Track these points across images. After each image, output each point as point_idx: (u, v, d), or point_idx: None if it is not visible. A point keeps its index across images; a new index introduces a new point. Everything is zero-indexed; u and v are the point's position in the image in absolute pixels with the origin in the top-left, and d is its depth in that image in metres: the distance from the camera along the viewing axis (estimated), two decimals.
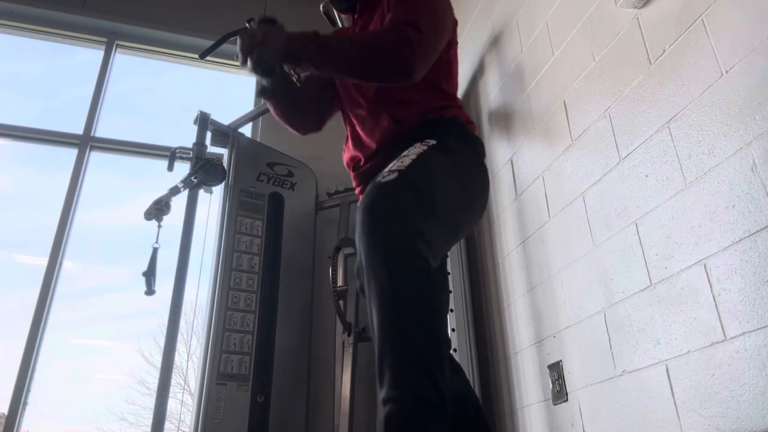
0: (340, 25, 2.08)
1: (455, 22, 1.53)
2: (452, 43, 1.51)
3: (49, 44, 3.26)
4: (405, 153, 1.25)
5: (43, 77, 3.59)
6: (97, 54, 3.21)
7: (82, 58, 3.19)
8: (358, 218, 1.10)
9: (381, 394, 0.97)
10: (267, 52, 1.28)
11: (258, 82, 1.42)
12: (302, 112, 1.60)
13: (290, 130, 1.62)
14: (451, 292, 2.34)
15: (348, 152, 1.53)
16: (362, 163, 1.46)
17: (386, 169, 1.19)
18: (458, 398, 1.31)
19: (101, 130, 3.03)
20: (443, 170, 1.25)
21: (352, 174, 1.52)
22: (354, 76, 1.36)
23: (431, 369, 0.97)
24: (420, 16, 1.31)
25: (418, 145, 1.28)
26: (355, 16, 1.62)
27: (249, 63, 1.28)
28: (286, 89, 1.46)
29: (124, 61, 3.32)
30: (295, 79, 1.40)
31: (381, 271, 1.02)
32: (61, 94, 3.60)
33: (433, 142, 1.30)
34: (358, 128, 1.48)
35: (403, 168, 1.17)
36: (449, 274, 2.40)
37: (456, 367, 1.42)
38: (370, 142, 1.44)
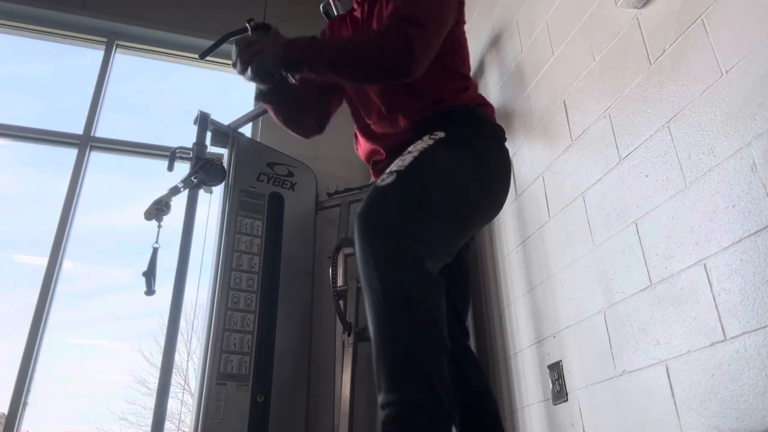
0: None
1: (462, 2, 1.50)
2: (459, 23, 1.48)
3: (55, 46, 3.26)
4: (409, 149, 1.24)
5: (48, 79, 3.60)
6: (100, 55, 3.21)
7: (87, 59, 3.19)
8: (355, 222, 1.11)
9: (380, 399, 0.98)
10: (266, 61, 1.28)
11: (257, 87, 1.42)
12: (303, 114, 1.58)
13: (292, 134, 1.61)
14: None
15: (362, 148, 1.52)
16: (381, 159, 1.45)
17: (387, 170, 1.18)
18: (474, 394, 1.32)
19: (101, 131, 3.03)
20: (447, 164, 1.23)
21: (371, 169, 1.52)
22: (355, 79, 1.35)
23: (426, 371, 0.97)
24: (419, 7, 1.29)
25: (425, 138, 1.27)
26: (355, 8, 1.61)
27: (249, 71, 1.29)
28: (286, 93, 1.46)
29: (124, 61, 3.32)
30: (293, 81, 1.39)
31: (374, 278, 1.03)
32: (66, 96, 3.61)
33: (441, 134, 1.28)
34: (371, 125, 1.46)
35: (402, 169, 1.16)
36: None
37: (475, 363, 1.42)
38: (384, 138, 1.43)
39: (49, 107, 3.62)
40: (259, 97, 1.46)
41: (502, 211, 2.31)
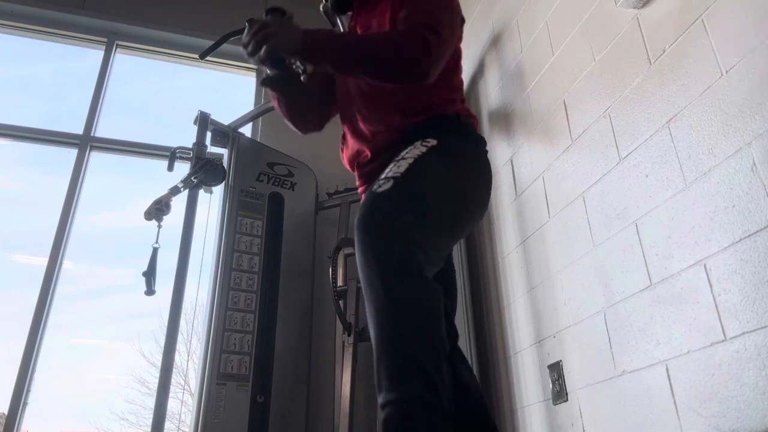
0: (339, 25, 2.08)
1: (463, 19, 1.53)
2: (459, 38, 1.51)
3: (58, 48, 3.26)
4: (403, 155, 1.25)
5: (51, 81, 3.60)
6: (100, 55, 3.21)
7: (89, 61, 3.19)
8: (355, 228, 1.12)
9: (380, 399, 0.99)
10: (280, 43, 1.26)
11: (263, 72, 1.40)
12: (306, 109, 1.59)
13: (291, 127, 1.61)
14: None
15: (348, 150, 1.51)
16: (366, 161, 1.45)
17: (383, 175, 1.20)
18: (465, 390, 1.33)
19: (101, 131, 3.03)
20: (441, 173, 1.25)
21: (356, 173, 1.51)
22: (371, 76, 1.34)
23: (426, 370, 0.98)
24: (437, 16, 1.31)
25: (418, 144, 1.28)
26: (353, 13, 1.62)
27: (261, 52, 1.26)
28: (292, 83, 1.44)
29: (124, 61, 3.32)
30: (301, 75, 1.37)
31: (375, 282, 1.05)
32: (69, 97, 3.61)
33: (433, 142, 1.30)
34: (361, 124, 1.46)
35: (399, 174, 1.18)
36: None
37: (463, 360, 1.44)
38: (373, 139, 1.43)
39: (52, 108, 3.63)
40: (266, 82, 1.44)
41: (501, 210, 2.33)
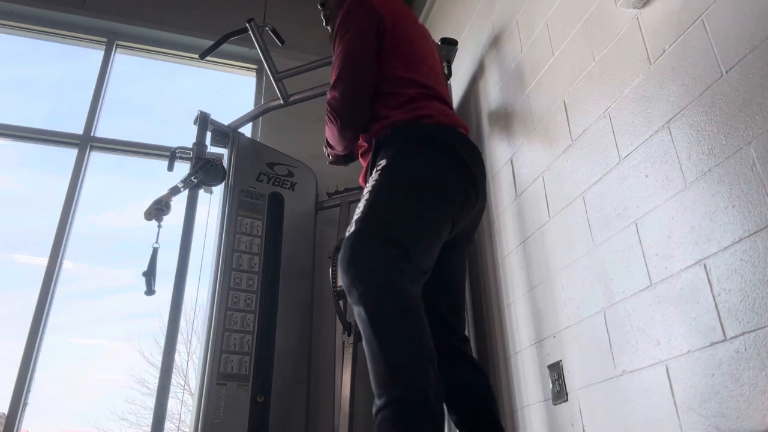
0: None
1: (378, 14, 1.59)
2: (388, 30, 1.58)
3: (59, 48, 3.26)
4: (366, 188, 1.38)
5: (53, 81, 3.60)
6: (100, 55, 3.21)
7: (92, 61, 3.19)
8: (339, 271, 1.26)
9: (373, 409, 1.09)
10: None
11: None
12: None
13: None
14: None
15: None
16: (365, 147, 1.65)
17: (353, 219, 1.32)
18: (467, 390, 1.37)
19: (102, 131, 3.03)
20: (396, 191, 1.35)
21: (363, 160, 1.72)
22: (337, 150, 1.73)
23: (412, 374, 1.07)
24: (336, 76, 1.54)
25: (374, 173, 1.41)
26: None
27: None
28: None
29: (124, 62, 3.32)
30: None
31: (361, 310, 1.16)
32: (70, 98, 3.61)
33: (383, 163, 1.41)
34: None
35: (360, 215, 1.30)
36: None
37: (467, 361, 1.50)
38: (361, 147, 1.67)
39: (52, 109, 3.63)
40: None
41: (501, 210, 2.33)
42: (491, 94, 2.52)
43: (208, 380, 2.20)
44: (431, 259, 1.33)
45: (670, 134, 1.42)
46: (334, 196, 2.84)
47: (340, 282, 2.42)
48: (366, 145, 1.60)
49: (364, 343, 1.16)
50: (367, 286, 1.17)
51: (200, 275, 2.47)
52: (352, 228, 1.28)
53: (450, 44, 2.76)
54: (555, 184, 1.94)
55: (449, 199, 1.43)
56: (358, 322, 1.19)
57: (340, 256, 1.25)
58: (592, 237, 1.70)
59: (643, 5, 1.55)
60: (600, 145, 1.70)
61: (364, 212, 1.30)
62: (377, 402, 1.08)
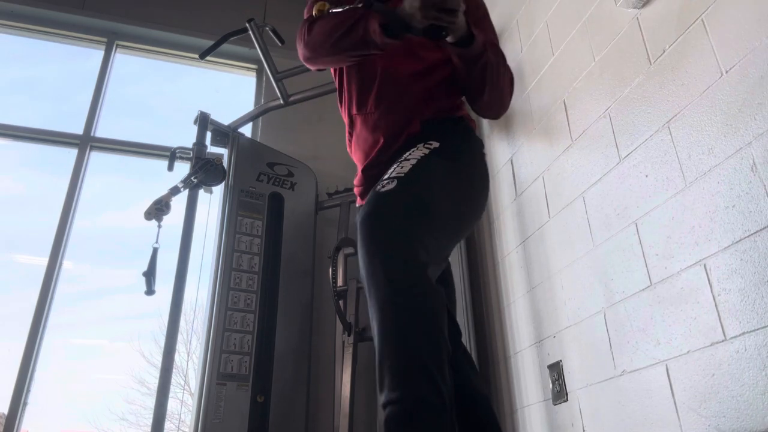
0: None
1: None
2: None
3: (60, 48, 3.26)
4: (406, 156, 1.26)
5: (55, 81, 3.60)
6: (100, 55, 3.21)
7: (93, 62, 3.19)
8: (357, 227, 1.12)
9: (381, 398, 0.99)
10: (459, 25, 1.24)
11: (388, 14, 1.25)
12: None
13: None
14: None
15: (358, 151, 1.51)
16: (373, 162, 1.46)
17: (386, 176, 1.20)
18: (470, 391, 1.34)
19: (102, 131, 3.03)
20: (444, 174, 1.26)
21: (360, 174, 1.51)
22: (495, 99, 1.47)
23: (430, 371, 0.98)
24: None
25: (420, 146, 1.29)
26: None
27: (443, 17, 1.18)
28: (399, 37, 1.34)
29: (124, 62, 3.32)
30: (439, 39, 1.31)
31: (379, 281, 1.04)
32: (70, 98, 3.61)
33: (436, 144, 1.31)
34: (377, 111, 1.44)
35: (402, 174, 1.18)
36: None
37: (468, 361, 1.45)
38: (384, 142, 1.43)
39: (53, 109, 3.63)
40: (391, 22, 1.26)
41: (501, 210, 2.33)
42: None
43: (208, 380, 2.20)
44: (449, 252, 1.30)
45: (670, 134, 1.42)
46: (334, 196, 2.84)
47: (340, 282, 2.45)
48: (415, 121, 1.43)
49: (374, 322, 1.04)
50: (390, 261, 1.05)
51: (200, 275, 2.47)
52: (390, 185, 1.14)
53: None
54: (555, 184, 1.94)
55: (480, 212, 1.43)
56: (370, 298, 1.05)
57: (367, 210, 1.11)
58: (592, 237, 1.70)
59: (643, 5, 1.55)
60: (600, 145, 1.70)
61: (408, 175, 1.17)
62: (388, 393, 0.97)
